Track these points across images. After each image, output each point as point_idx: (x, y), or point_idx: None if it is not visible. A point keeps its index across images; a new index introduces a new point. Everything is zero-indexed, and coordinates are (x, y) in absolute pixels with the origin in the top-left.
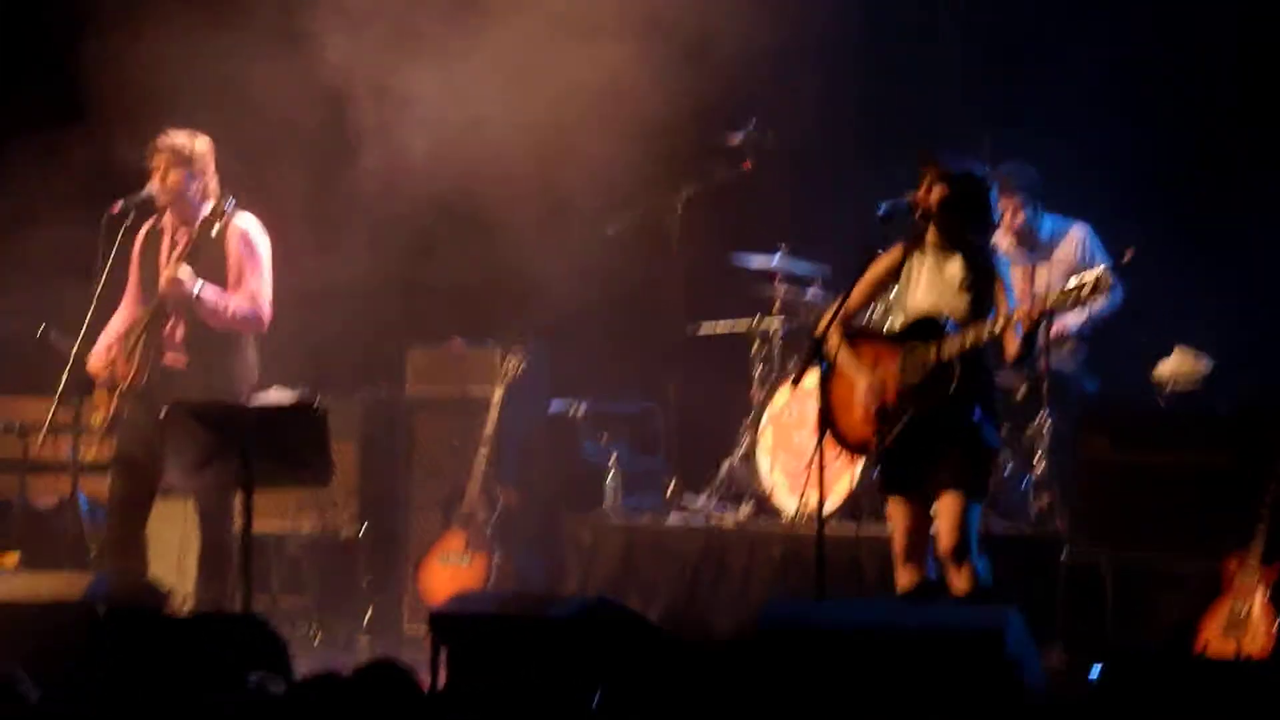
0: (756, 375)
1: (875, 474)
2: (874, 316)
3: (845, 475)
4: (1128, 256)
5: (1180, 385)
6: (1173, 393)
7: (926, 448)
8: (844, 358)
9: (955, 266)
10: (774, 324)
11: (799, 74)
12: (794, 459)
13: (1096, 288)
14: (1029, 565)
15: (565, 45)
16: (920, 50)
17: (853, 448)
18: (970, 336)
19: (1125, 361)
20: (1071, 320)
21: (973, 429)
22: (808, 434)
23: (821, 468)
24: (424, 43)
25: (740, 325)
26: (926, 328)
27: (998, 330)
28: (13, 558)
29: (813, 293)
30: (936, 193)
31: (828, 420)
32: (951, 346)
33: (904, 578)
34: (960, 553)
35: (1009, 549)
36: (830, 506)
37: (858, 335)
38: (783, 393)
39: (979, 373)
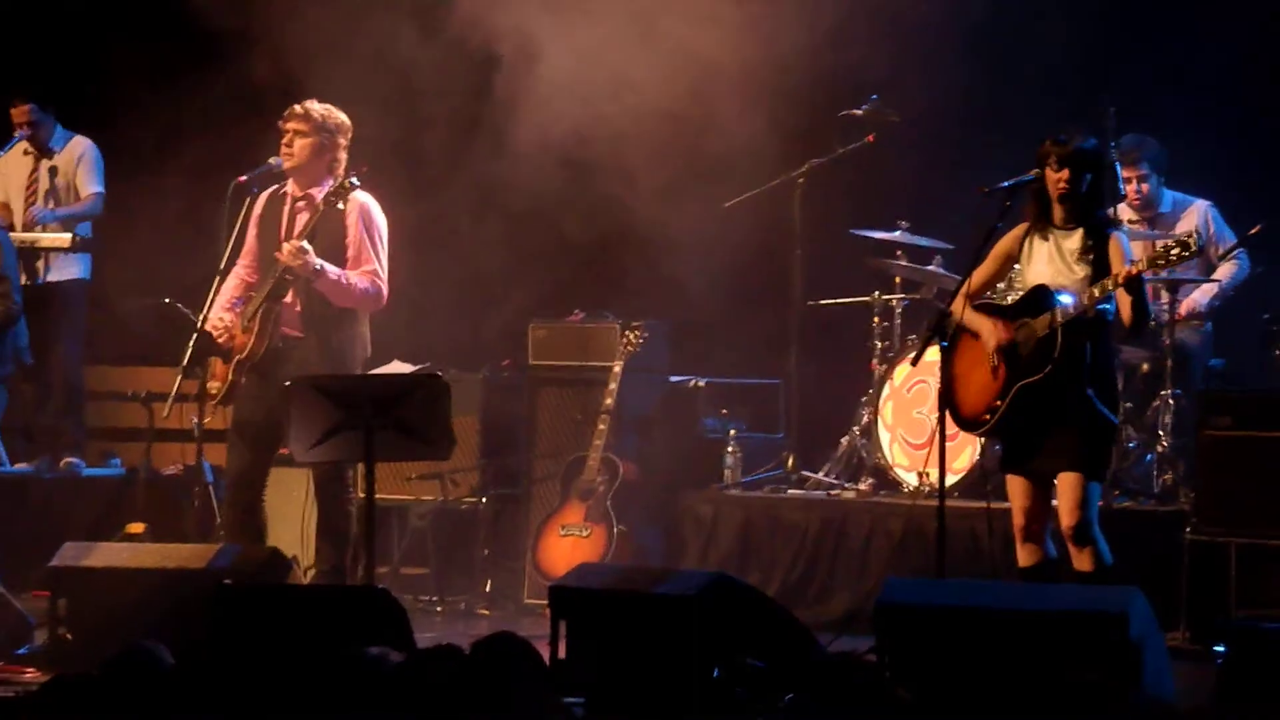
0: (876, 350)
1: (995, 450)
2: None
3: (966, 449)
4: (1256, 230)
5: None
6: None
7: (1041, 424)
8: (964, 331)
9: (1075, 241)
10: (894, 299)
11: (922, 48)
12: (914, 434)
13: (1186, 248)
14: (1152, 543)
15: (690, 13)
16: (1043, 25)
17: (968, 423)
18: (1074, 307)
19: (1249, 340)
20: (1201, 297)
21: (1088, 406)
22: (928, 409)
23: (943, 442)
24: (552, 11)
25: (860, 300)
26: (1038, 301)
27: (1098, 294)
28: (139, 527)
29: (933, 268)
30: (1062, 173)
31: (948, 396)
32: (1057, 315)
33: (1024, 555)
34: (1081, 533)
35: (1132, 526)
36: (950, 481)
37: (978, 312)
38: (903, 368)
39: (1093, 346)
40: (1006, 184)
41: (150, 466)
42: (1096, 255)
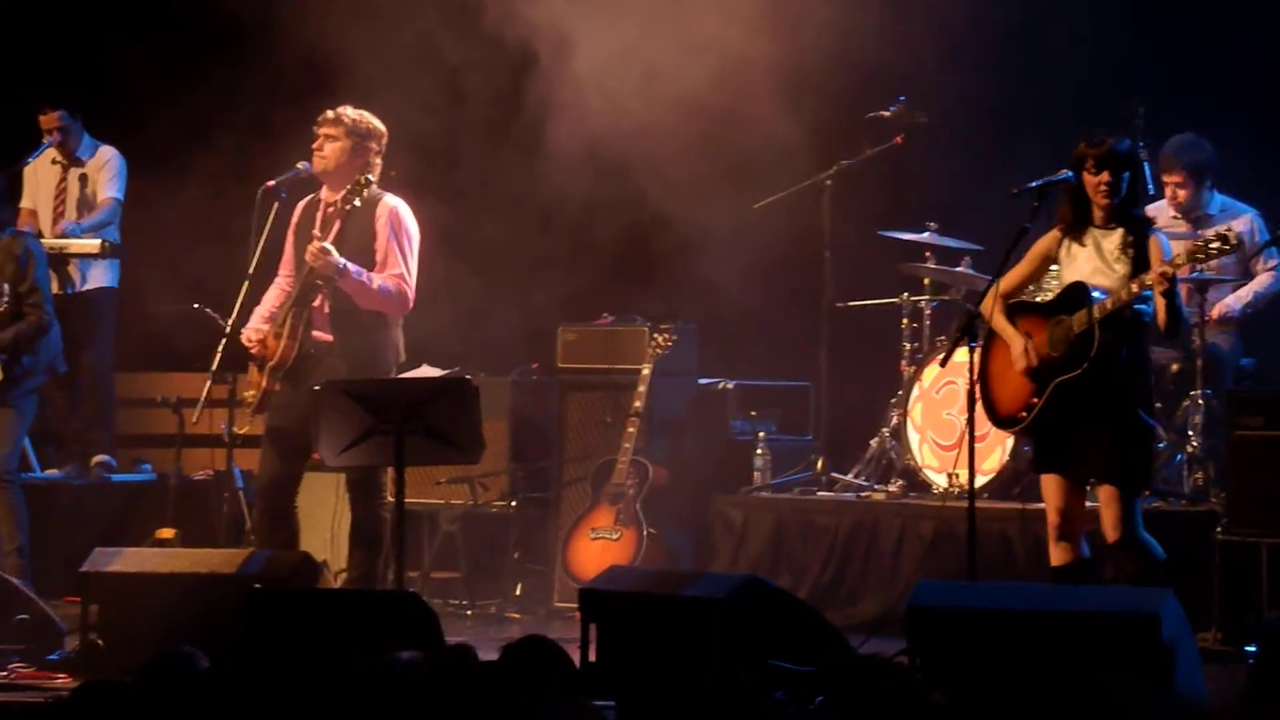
0: (905, 351)
1: (1025, 450)
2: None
3: (996, 450)
4: (1229, 230)
5: None
6: None
7: (1078, 423)
8: (998, 333)
9: (1115, 240)
10: (923, 300)
11: (950, 49)
12: (943, 435)
13: (1226, 242)
14: (1183, 544)
15: (719, 11)
16: (1073, 25)
17: (1004, 420)
18: (1110, 300)
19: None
20: (1234, 303)
21: (1124, 408)
22: (957, 410)
23: (972, 444)
24: (584, 8)
25: (889, 301)
26: (1075, 297)
27: (1136, 288)
28: (170, 532)
29: (962, 269)
30: (1101, 175)
31: (983, 395)
32: (1094, 311)
33: (1057, 554)
34: (1128, 544)
35: (1163, 527)
36: (980, 482)
37: (1013, 311)
38: (932, 369)
39: (1129, 347)
40: (1035, 184)
41: (180, 472)
42: (1136, 253)
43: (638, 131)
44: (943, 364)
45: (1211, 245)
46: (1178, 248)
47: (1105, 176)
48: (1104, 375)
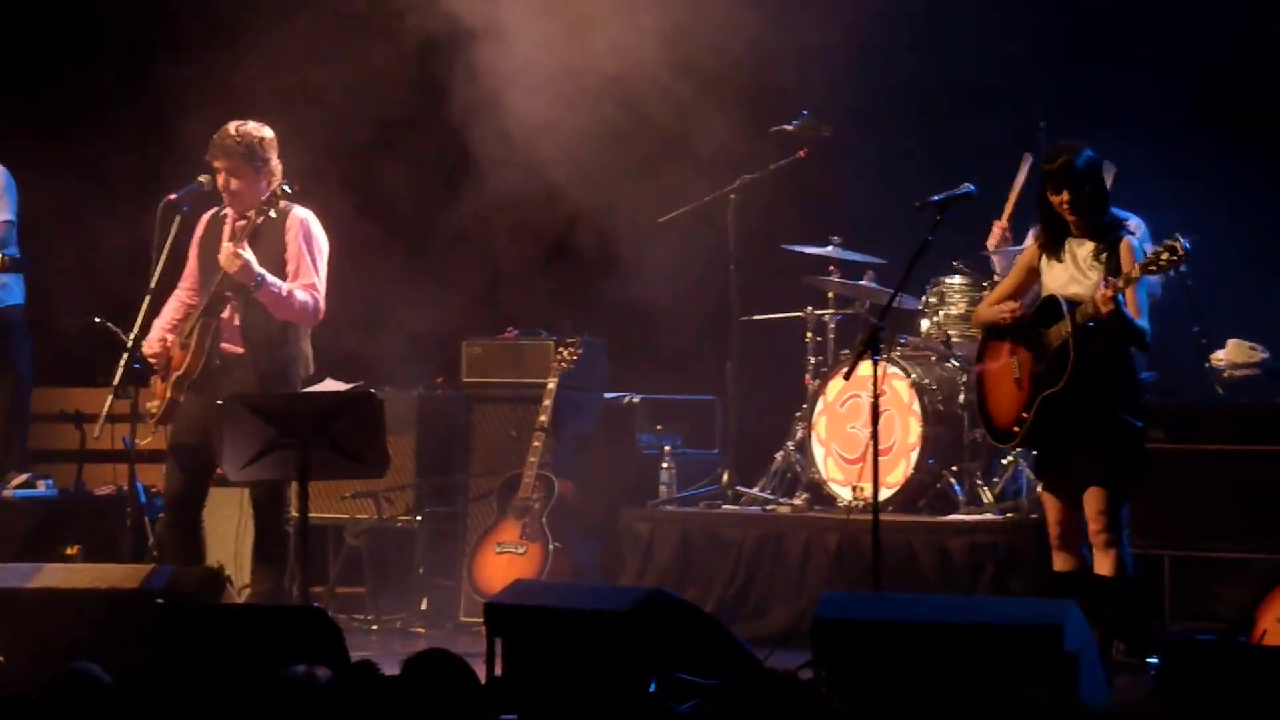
0: (810, 365)
1: (932, 463)
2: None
3: (900, 464)
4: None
5: (1236, 371)
6: (1229, 378)
7: (1068, 433)
8: (987, 347)
9: (1087, 250)
10: (827, 314)
11: (853, 63)
12: (848, 448)
13: (1174, 253)
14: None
15: (613, 26)
16: (976, 40)
17: (999, 434)
18: (1079, 313)
19: (1180, 354)
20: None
21: (1109, 412)
22: (861, 424)
23: (876, 456)
24: (483, 27)
25: (793, 315)
26: (1050, 311)
27: (1109, 292)
28: (73, 549)
29: (865, 283)
30: (1062, 194)
31: (980, 409)
32: (1064, 326)
33: (1058, 561)
34: (1105, 540)
35: None
36: (885, 495)
37: (996, 329)
38: (836, 382)
39: (1111, 352)
40: (938, 198)
41: (83, 488)
42: (1109, 259)
43: (544, 146)
44: (846, 377)
45: (1162, 257)
46: (1136, 266)
47: (1065, 195)
48: (1085, 384)
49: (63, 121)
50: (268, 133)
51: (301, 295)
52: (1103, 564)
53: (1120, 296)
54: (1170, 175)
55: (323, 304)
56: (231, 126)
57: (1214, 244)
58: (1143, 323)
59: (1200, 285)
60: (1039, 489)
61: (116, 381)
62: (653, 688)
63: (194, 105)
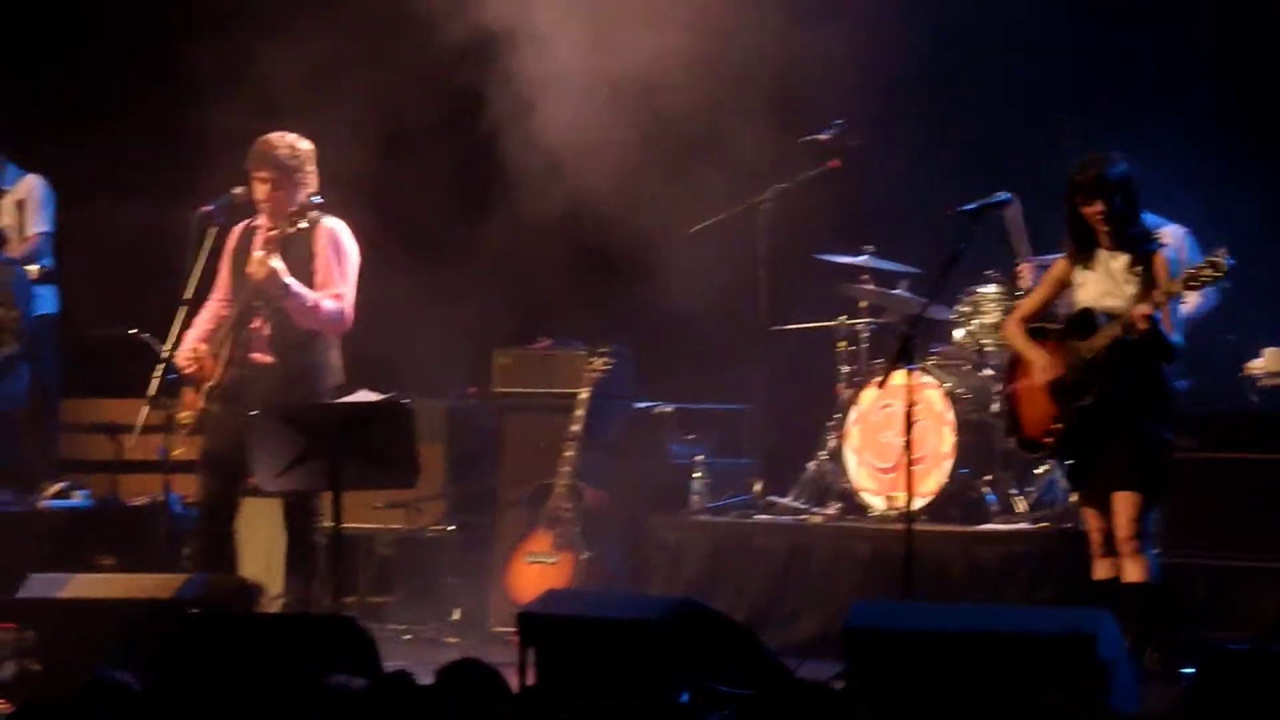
0: (842, 374)
1: (965, 473)
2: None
3: (934, 473)
4: (1220, 255)
5: (1273, 380)
6: (1265, 386)
7: (1100, 444)
8: (1021, 355)
9: (1121, 263)
10: (860, 323)
11: (886, 72)
12: (881, 458)
13: (1217, 270)
14: None
15: (646, 33)
16: (1008, 46)
17: (1028, 444)
18: (1116, 327)
19: (1216, 362)
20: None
21: (1136, 422)
22: (894, 433)
23: (910, 466)
24: (520, 33)
25: (826, 324)
26: (1084, 323)
27: (1137, 319)
28: (107, 559)
29: (899, 292)
30: (1095, 205)
31: (1010, 418)
32: (1100, 340)
33: (1099, 569)
34: (1131, 547)
35: None
36: (918, 505)
37: (1030, 338)
38: (869, 391)
39: (1143, 364)
40: (971, 206)
41: (117, 498)
42: (1144, 272)
43: (574, 157)
44: (880, 386)
45: (1204, 273)
46: (1175, 281)
47: (1099, 206)
48: (1117, 396)
49: (77, 114)
50: (308, 145)
51: (328, 304)
52: (1130, 571)
53: (1156, 313)
54: (1205, 181)
55: (350, 313)
56: (274, 137)
57: (1250, 251)
58: (1176, 338)
59: (1237, 292)
60: (1073, 499)
61: (152, 393)
62: (685, 698)
63: (231, 114)
